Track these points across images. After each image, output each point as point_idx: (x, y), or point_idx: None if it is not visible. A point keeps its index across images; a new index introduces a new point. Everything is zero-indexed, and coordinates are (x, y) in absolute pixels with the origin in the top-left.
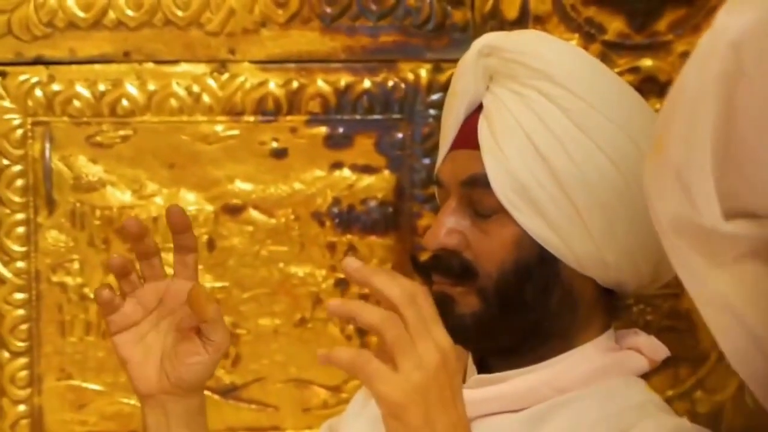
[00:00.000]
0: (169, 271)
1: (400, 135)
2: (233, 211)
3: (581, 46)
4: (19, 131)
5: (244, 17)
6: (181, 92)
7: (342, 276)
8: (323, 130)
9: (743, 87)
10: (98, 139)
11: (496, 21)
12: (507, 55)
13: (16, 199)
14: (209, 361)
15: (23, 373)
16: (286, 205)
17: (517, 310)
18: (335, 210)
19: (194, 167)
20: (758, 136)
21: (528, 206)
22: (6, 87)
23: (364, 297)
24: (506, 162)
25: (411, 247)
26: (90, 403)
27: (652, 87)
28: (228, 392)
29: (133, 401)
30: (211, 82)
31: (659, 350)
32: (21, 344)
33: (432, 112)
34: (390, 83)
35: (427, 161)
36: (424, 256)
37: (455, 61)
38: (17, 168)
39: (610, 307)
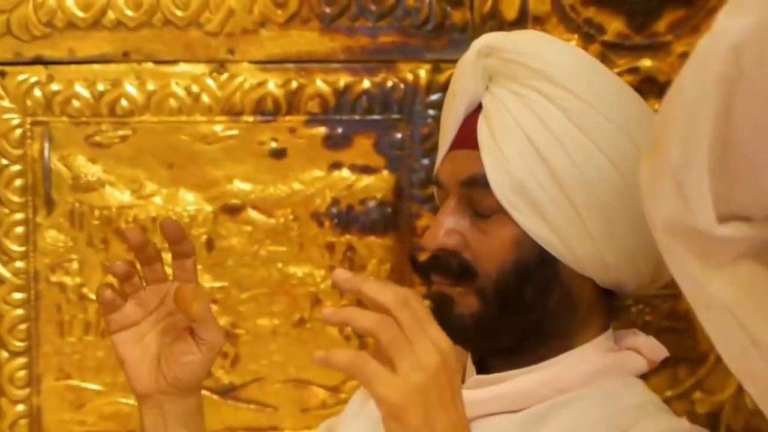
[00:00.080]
0: (169, 270)
1: (399, 135)
2: (232, 211)
3: (580, 47)
4: (18, 131)
5: (244, 17)
6: (181, 92)
7: None
8: (322, 130)
9: (742, 90)
10: (97, 139)
11: (496, 21)
12: (506, 56)
13: (15, 198)
14: (204, 360)
15: (22, 373)
16: (285, 206)
17: (517, 310)
18: (334, 210)
19: (193, 167)
20: (756, 139)
21: (527, 206)
22: (5, 87)
23: None
24: (505, 162)
25: (410, 247)
26: (89, 402)
27: (652, 87)
28: (227, 392)
29: (132, 401)
30: (210, 82)
31: (658, 351)
32: (20, 344)
33: (431, 112)
34: (389, 83)
35: (426, 161)
36: (423, 257)
37: (454, 61)
38: (16, 168)
39: (610, 308)
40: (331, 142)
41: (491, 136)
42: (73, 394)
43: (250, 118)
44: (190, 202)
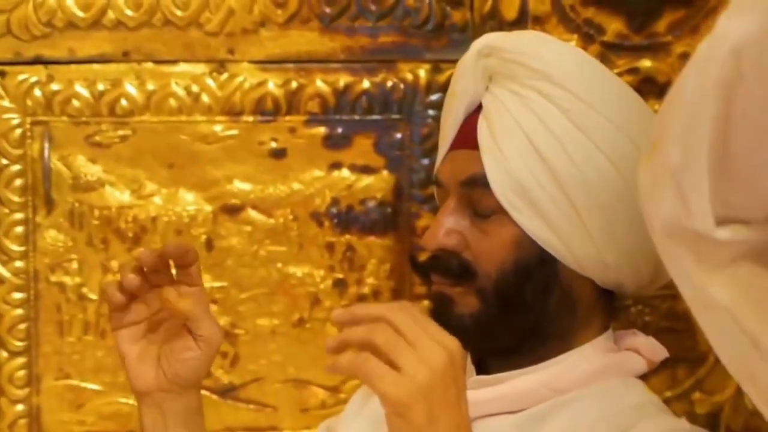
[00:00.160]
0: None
1: (398, 135)
2: (232, 211)
3: (580, 47)
4: (18, 131)
5: (244, 17)
6: (180, 92)
7: (340, 276)
8: (322, 130)
9: (742, 92)
10: (97, 138)
11: (495, 21)
12: (506, 56)
13: (15, 198)
14: (203, 356)
15: (21, 373)
16: (284, 205)
17: (517, 310)
18: (334, 210)
19: (193, 167)
20: (756, 141)
21: (527, 207)
22: (5, 86)
23: (362, 298)
24: (505, 162)
25: (409, 247)
26: (88, 402)
27: (651, 88)
28: (226, 392)
29: (131, 401)
30: (210, 82)
31: (658, 351)
32: (19, 344)
33: (431, 112)
34: (389, 83)
35: (425, 162)
36: (423, 257)
37: (454, 61)
38: (16, 167)
39: (609, 308)
40: (330, 142)
41: (491, 136)
42: (73, 393)
43: (250, 118)
44: (189, 202)
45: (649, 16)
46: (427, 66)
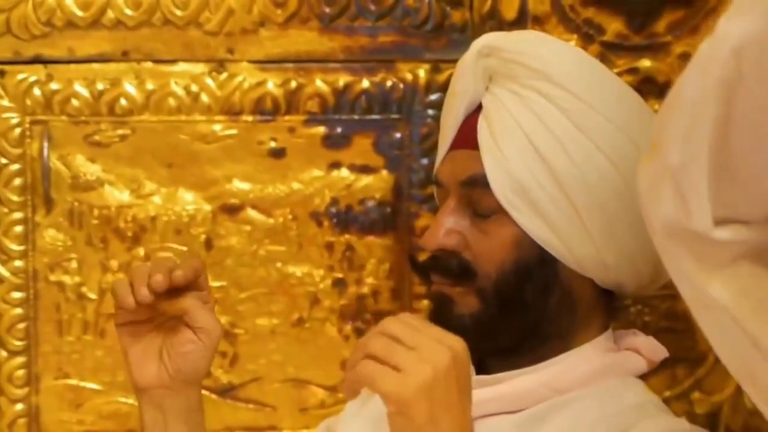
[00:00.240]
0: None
1: (398, 135)
2: (231, 210)
3: (580, 47)
4: (18, 130)
5: (243, 17)
6: (180, 92)
7: (340, 276)
8: (321, 129)
9: (743, 93)
10: (96, 138)
11: (495, 21)
12: (506, 56)
13: (14, 197)
14: (203, 348)
15: (21, 372)
16: (284, 205)
17: (517, 310)
18: (333, 210)
19: (192, 167)
20: (756, 142)
21: (527, 207)
22: (4, 86)
23: (361, 298)
24: (506, 162)
25: (409, 247)
26: (87, 402)
27: (651, 88)
28: (225, 392)
29: (131, 400)
30: (209, 81)
31: (658, 351)
32: (18, 343)
33: (430, 112)
34: (388, 83)
35: (425, 161)
36: (422, 257)
37: (454, 61)
38: (15, 167)
39: (609, 308)
40: (330, 141)
41: (491, 136)
42: (72, 393)
43: (249, 118)
44: (189, 201)
45: (649, 16)
46: (426, 66)
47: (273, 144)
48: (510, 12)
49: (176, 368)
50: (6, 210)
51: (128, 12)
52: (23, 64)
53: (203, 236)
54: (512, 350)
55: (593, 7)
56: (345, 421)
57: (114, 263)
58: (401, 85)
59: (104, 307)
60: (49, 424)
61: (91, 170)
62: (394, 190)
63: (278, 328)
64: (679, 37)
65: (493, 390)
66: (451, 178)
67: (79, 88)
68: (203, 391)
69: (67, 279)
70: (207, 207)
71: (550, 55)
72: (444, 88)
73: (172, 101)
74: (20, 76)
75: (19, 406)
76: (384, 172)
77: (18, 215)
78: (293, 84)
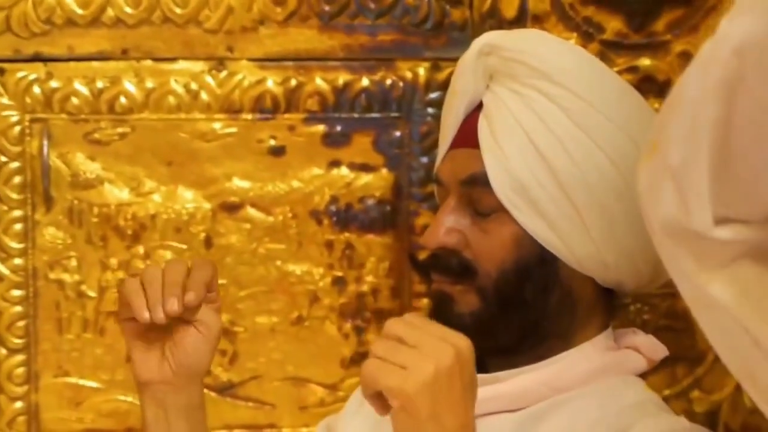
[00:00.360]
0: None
1: (398, 133)
2: (231, 208)
3: (579, 46)
4: (17, 128)
5: (243, 15)
6: (180, 90)
7: (339, 274)
8: (321, 128)
9: (743, 93)
10: (96, 136)
11: (495, 20)
12: (507, 54)
13: (14, 196)
14: (204, 341)
15: (20, 370)
16: (283, 203)
17: (517, 309)
18: (333, 208)
19: (192, 165)
20: (757, 142)
21: (528, 205)
22: (4, 84)
23: (360, 296)
24: (506, 161)
25: (408, 245)
26: (87, 400)
27: (650, 86)
28: (225, 390)
29: (131, 398)
30: (209, 79)
31: (658, 350)
32: (18, 341)
33: (430, 110)
34: (388, 82)
35: (425, 160)
36: (423, 255)
37: (454, 59)
38: (15, 165)
39: (609, 307)
40: (330, 140)
41: (492, 134)
42: (72, 391)
43: (249, 116)
44: (188, 199)
45: (649, 15)
46: (426, 64)
47: (273, 142)
48: (510, 10)
49: (179, 362)
50: (6, 208)
51: (128, 10)
52: (23, 62)
53: (203, 234)
54: (512, 349)
55: (593, 5)
56: (345, 419)
57: (114, 261)
58: (401, 84)
59: (104, 305)
60: (49, 422)
61: (90, 168)
62: (394, 188)
63: (278, 327)
64: (679, 35)
65: (493, 389)
66: (451, 176)
67: (79, 86)
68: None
69: (66, 277)
70: (207, 205)
71: (551, 53)
72: (444, 86)
73: (171, 99)
74: (20, 74)
75: (19, 404)
76: (384, 171)
77: (18, 213)
78: (293, 82)
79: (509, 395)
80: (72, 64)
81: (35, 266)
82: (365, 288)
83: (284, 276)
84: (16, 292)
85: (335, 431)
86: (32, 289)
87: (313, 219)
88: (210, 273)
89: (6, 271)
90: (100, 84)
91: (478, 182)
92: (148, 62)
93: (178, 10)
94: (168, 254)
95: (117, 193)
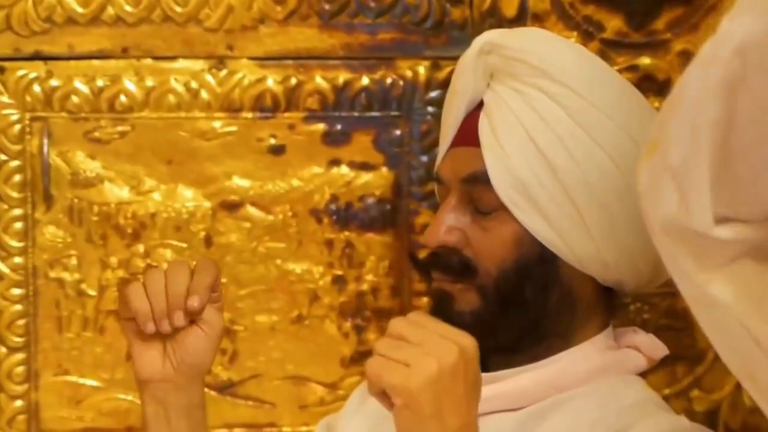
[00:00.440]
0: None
1: (398, 132)
2: (231, 207)
3: (579, 44)
4: (17, 126)
5: (243, 14)
6: (180, 88)
7: (339, 273)
8: (321, 126)
9: (745, 93)
10: (96, 134)
11: (495, 19)
12: (508, 53)
13: (14, 194)
14: (206, 339)
15: (20, 369)
16: (283, 202)
17: (517, 308)
18: (333, 207)
19: (192, 163)
20: (756, 142)
21: (528, 204)
22: (4, 82)
23: (360, 295)
24: (507, 159)
25: (408, 244)
26: (87, 398)
27: (650, 85)
28: (225, 389)
29: (131, 397)
30: (209, 78)
31: (658, 349)
32: (18, 340)
33: (430, 109)
34: (388, 80)
35: (425, 158)
36: (423, 254)
37: (454, 58)
38: (15, 163)
39: (610, 306)
40: (330, 138)
41: (492, 133)
42: (72, 390)
43: (249, 115)
44: (188, 198)
45: (649, 13)
46: (426, 63)
47: (273, 141)
48: (510, 9)
49: (180, 360)
50: (6, 206)
51: (128, 9)
52: (23, 60)
53: (203, 233)
54: (512, 348)
55: (593, 4)
56: (345, 418)
57: (114, 260)
58: (401, 83)
59: (104, 304)
60: (49, 420)
61: (90, 167)
62: (394, 187)
63: (278, 325)
64: (679, 34)
65: (494, 388)
66: (452, 175)
67: (79, 84)
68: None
69: (66, 276)
70: (207, 204)
71: (552, 52)
72: (444, 85)
73: (171, 98)
74: (20, 73)
75: (19, 403)
76: (384, 169)
77: (18, 212)
78: (293, 81)
79: (510, 394)
80: (72, 62)
81: (35, 265)
82: (365, 287)
83: (284, 275)
84: (16, 291)
85: (335, 430)
86: (32, 288)
87: (313, 218)
88: (213, 275)
89: (6, 270)
90: (100, 82)
91: (478, 181)
92: (149, 61)
93: (178, 9)
94: (168, 253)
95: (117, 192)
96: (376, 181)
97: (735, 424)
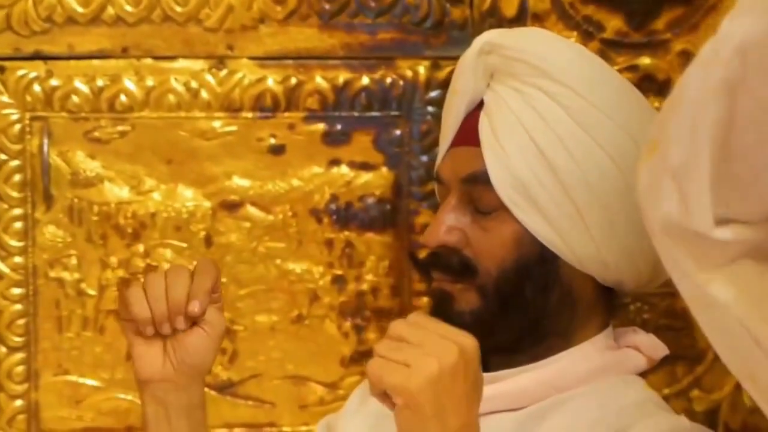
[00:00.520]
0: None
1: (398, 132)
2: (231, 207)
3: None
4: (17, 126)
5: (243, 14)
6: (180, 88)
7: (339, 272)
8: (321, 126)
9: (745, 93)
10: (96, 134)
11: (495, 19)
12: (508, 53)
13: (14, 194)
14: (207, 339)
15: (20, 369)
16: (283, 202)
17: (517, 308)
18: (333, 207)
19: (192, 163)
20: (757, 142)
21: (528, 204)
22: (4, 82)
23: (360, 295)
24: (507, 159)
25: (408, 244)
26: (87, 398)
27: (650, 85)
28: (225, 388)
29: (131, 397)
30: (209, 78)
31: (658, 348)
32: (18, 339)
33: (430, 109)
34: (388, 80)
35: (425, 158)
36: (423, 254)
37: (454, 58)
38: (15, 163)
39: (610, 306)
40: (330, 138)
41: (493, 133)
42: (71, 389)
43: (249, 114)
44: (188, 198)
45: (649, 13)
46: (426, 63)
47: (273, 141)
48: (510, 9)
49: (181, 360)
50: (6, 206)
51: (128, 8)
52: (23, 60)
53: (203, 233)
54: (512, 348)
55: (593, 4)
56: (345, 418)
57: (114, 260)
58: (401, 82)
59: (104, 304)
60: (49, 420)
61: (90, 167)
62: (394, 187)
63: (278, 325)
64: (679, 34)
65: (494, 388)
66: (452, 175)
67: (79, 84)
68: None
69: (66, 275)
70: (206, 204)
71: (552, 52)
72: (444, 85)
73: (171, 98)
74: (20, 72)
75: (19, 403)
76: (384, 169)
77: (18, 211)
78: (293, 81)
79: (510, 394)
80: (72, 62)
81: (35, 264)
82: (365, 287)
83: (284, 274)
84: (16, 291)
85: (335, 430)
86: (32, 288)
87: (313, 217)
88: (213, 278)
89: (6, 270)
90: (100, 82)
91: (478, 180)
92: (149, 60)
93: (178, 9)
94: (168, 253)
95: (117, 192)
96: (376, 181)
97: (735, 424)
